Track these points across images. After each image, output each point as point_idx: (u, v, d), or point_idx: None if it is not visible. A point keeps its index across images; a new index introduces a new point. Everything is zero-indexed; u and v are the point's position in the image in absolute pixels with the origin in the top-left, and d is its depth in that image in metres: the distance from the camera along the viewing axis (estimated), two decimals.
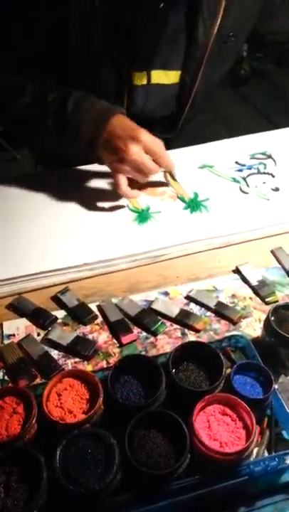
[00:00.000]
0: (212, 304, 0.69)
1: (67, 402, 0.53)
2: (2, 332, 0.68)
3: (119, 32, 0.81)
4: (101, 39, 0.81)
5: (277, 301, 0.70)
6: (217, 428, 0.50)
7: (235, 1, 0.83)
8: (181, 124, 1.01)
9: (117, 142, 0.78)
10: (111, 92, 0.86)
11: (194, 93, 0.93)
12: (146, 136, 0.79)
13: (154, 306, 0.70)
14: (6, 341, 0.66)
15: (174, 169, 0.89)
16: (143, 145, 0.78)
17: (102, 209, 0.87)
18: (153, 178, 0.86)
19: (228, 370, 0.56)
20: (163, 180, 0.91)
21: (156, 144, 0.80)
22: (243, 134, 1.05)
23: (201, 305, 0.70)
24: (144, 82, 0.89)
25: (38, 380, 0.62)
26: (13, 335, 0.68)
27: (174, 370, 0.56)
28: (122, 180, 0.82)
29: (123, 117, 0.81)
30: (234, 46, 0.92)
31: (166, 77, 0.90)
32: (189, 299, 0.72)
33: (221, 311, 0.69)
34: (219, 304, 0.70)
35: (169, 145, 1.08)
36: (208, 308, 0.70)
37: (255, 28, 0.94)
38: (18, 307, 0.71)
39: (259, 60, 3.35)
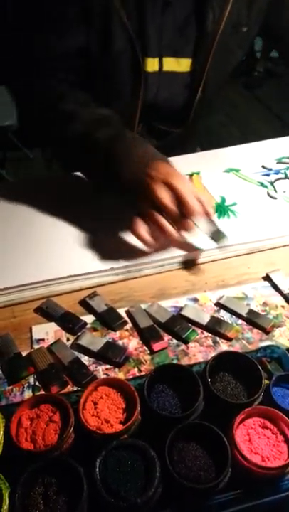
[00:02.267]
0: (244, 312, 0.68)
1: (104, 412, 0.52)
2: (31, 336, 0.67)
3: (131, 22, 0.81)
4: (115, 29, 0.82)
5: None
6: (258, 442, 0.49)
7: None
8: (192, 117, 1.00)
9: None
10: (127, 80, 0.87)
11: (204, 82, 0.93)
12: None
13: (184, 313, 0.69)
14: (36, 346, 0.66)
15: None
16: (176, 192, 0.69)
17: (129, 214, 0.86)
18: None
19: (266, 382, 0.55)
20: None
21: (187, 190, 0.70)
22: (257, 136, 1.04)
23: (232, 313, 0.69)
24: (156, 68, 0.89)
25: (69, 387, 0.61)
26: (43, 339, 0.67)
27: (210, 381, 0.55)
28: (142, 226, 0.72)
29: (163, 163, 0.74)
30: (246, 37, 0.93)
31: (177, 64, 0.91)
32: (220, 306, 0.71)
33: (253, 319, 0.68)
34: (251, 312, 0.68)
35: (184, 144, 1.07)
36: (239, 316, 0.69)
37: (269, 21, 0.93)
38: (47, 311, 0.70)
39: (273, 62, 3.33)
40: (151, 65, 0.89)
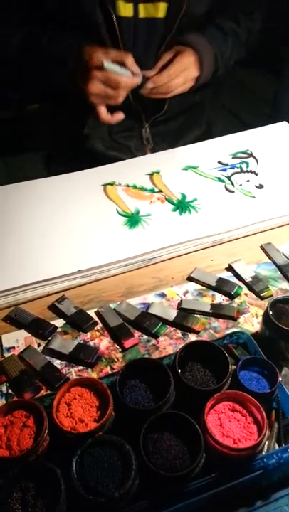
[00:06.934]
0: (207, 309, 0.70)
1: (78, 412, 0.52)
2: (1, 345, 0.67)
3: None
4: None
5: (271, 296, 0.72)
6: (229, 425, 0.51)
7: None
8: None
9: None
10: (101, 25, 0.88)
11: (177, 27, 0.92)
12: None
13: (151, 311, 0.70)
14: (7, 354, 0.65)
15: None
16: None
17: (92, 215, 0.87)
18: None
19: (233, 367, 0.57)
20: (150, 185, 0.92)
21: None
22: (214, 133, 1.07)
23: (199, 313, 0.70)
24: (131, 14, 0.89)
25: (43, 392, 0.61)
26: (13, 347, 0.67)
27: (180, 371, 0.56)
28: (102, 109, 0.85)
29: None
30: None
31: (154, 9, 0.90)
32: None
33: (218, 312, 0.69)
34: (214, 306, 0.70)
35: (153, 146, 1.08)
36: (204, 313, 0.70)
37: None
38: (16, 319, 0.70)
39: None
40: (125, 9, 0.88)
